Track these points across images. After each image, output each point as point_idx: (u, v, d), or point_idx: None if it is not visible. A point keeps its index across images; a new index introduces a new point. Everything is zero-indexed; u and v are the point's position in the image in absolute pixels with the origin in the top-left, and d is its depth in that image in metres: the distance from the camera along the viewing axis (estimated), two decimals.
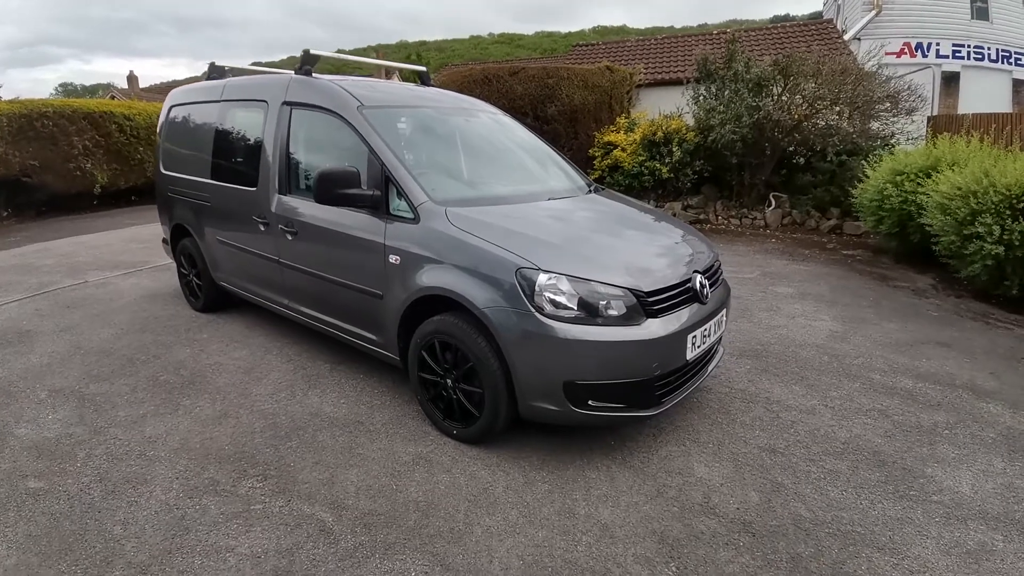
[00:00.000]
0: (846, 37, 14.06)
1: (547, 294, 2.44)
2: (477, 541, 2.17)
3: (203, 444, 2.81)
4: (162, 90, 26.98)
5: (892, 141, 8.37)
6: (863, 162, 7.20)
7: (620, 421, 2.67)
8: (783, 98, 8.46)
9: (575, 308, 2.45)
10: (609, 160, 10.08)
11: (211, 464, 2.64)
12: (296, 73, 3.70)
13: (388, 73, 16.56)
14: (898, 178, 6.13)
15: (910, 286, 5.68)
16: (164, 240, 5.19)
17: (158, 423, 3.00)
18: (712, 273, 3.03)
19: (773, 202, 9.19)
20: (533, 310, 2.43)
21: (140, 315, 4.74)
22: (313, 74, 3.65)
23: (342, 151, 3.25)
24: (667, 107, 10.26)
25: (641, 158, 9.88)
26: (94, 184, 10.74)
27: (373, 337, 3.19)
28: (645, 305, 2.52)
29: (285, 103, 3.60)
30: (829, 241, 7.88)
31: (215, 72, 4.62)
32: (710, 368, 3.07)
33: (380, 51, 25.89)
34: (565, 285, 2.46)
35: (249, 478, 2.54)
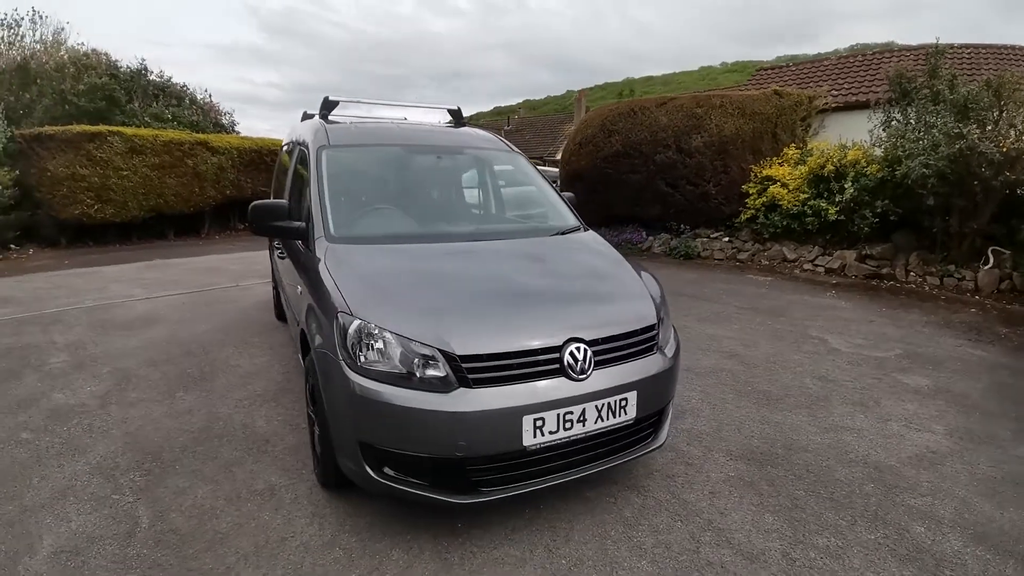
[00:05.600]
0: None
1: (369, 343, 2.24)
2: None
3: (147, 433, 3.26)
4: None
5: None
6: None
7: (429, 502, 2.26)
8: (997, 126, 6.24)
9: (396, 364, 2.19)
10: (765, 198, 8.69)
11: (132, 450, 3.06)
12: (318, 117, 4.11)
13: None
14: None
15: None
16: None
17: (144, 408, 3.59)
18: (615, 344, 2.38)
19: (991, 258, 6.77)
20: (340, 358, 2.25)
21: (237, 317, 5.73)
22: (328, 118, 4.01)
23: (308, 186, 3.50)
24: (859, 135, 8.41)
25: (804, 195, 8.29)
26: None
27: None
28: (458, 371, 2.12)
29: (297, 142, 4.04)
30: None
31: (305, 117, 5.40)
32: (617, 462, 2.42)
33: (583, 91, 26.90)
34: (383, 336, 2.22)
35: (138, 471, 2.86)
